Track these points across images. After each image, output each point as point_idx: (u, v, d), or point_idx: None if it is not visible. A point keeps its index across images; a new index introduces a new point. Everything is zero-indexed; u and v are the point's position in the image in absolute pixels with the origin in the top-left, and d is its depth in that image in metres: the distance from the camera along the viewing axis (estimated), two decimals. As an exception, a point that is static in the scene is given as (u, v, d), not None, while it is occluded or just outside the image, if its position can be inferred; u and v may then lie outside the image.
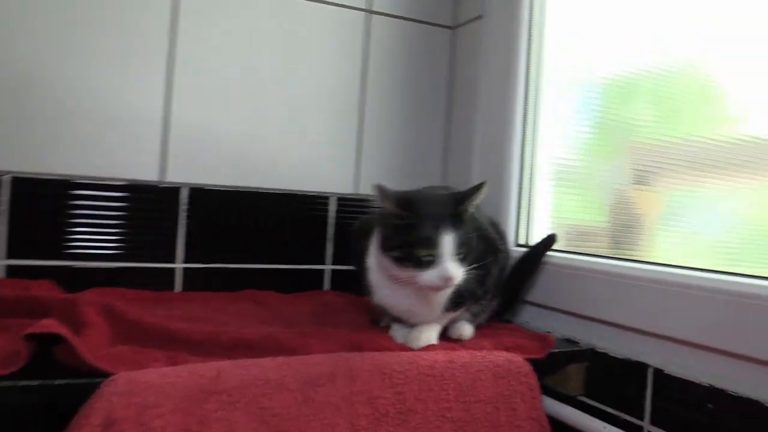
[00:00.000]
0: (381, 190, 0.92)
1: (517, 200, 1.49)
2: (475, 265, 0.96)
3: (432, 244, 0.89)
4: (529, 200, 1.49)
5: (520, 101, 1.47)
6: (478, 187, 0.97)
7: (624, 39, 1.20)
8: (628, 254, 1.19)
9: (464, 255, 0.92)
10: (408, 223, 0.91)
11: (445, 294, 0.97)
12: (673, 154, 1.09)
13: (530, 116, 1.47)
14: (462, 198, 0.96)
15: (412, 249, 0.90)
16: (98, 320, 0.88)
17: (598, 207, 1.28)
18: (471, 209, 0.97)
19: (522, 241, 1.48)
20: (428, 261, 0.90)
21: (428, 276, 0.90)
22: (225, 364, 0.80)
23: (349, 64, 1.63)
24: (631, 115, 1.20)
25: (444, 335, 1.05)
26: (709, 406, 0.90)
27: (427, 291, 0.94)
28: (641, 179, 1.17)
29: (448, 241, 0.90)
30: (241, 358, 0.83)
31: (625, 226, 1.23)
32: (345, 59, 1.62)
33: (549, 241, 1.24)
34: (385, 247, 0.94)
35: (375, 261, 1.00)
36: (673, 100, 1.11)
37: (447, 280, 0.89)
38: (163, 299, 1.27)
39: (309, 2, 1.56)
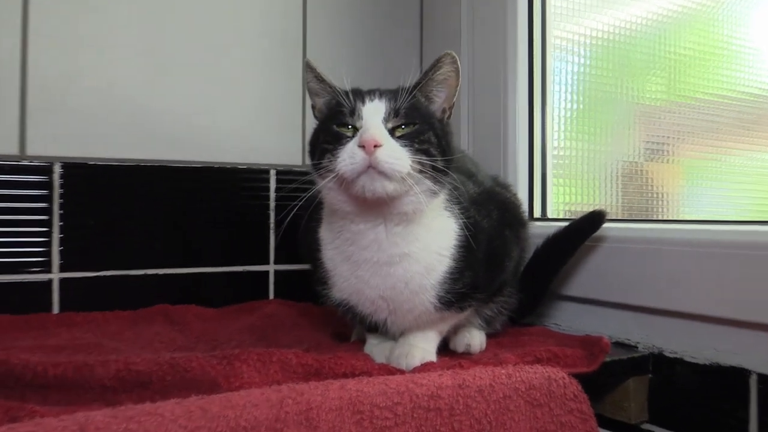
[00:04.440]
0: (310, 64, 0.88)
1: (527, 156, 1.29)
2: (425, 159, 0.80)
3: (351, 114, 0.82)
4: (543, 158, 1.29)
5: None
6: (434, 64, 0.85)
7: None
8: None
9: (410, 136, 0.81)
10: (337, 105, 0.85)
11: (428, 268, 0.84)
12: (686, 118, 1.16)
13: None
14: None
15: (329, 129, 0.83)
16: None
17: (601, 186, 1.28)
18: (435, 90, 0.87)
19: (537, 214, 1.29)
20: (348, 136, 0.81)
21: (345, 152, 0.78)
22: (96, 416, 0.62)
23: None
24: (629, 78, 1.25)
25: (444, 349, 0.93)
26: None
27: (359, 192, 0.78)
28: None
29: (373, 109, 0.82)
30: (127, 402, 0.68)
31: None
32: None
33: (596, 218, 1.05)
34: (313, 157, 0.85)
35: (325, 225, 0.90)
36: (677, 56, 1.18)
37: (367, 143, 0.76)
38: (33, 325, 1.13)
39: None
